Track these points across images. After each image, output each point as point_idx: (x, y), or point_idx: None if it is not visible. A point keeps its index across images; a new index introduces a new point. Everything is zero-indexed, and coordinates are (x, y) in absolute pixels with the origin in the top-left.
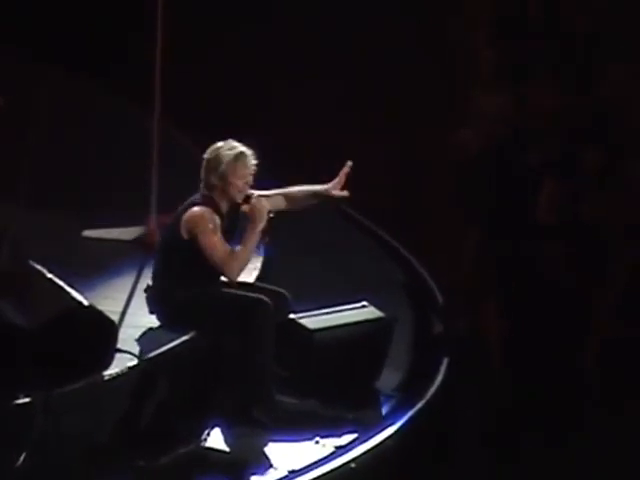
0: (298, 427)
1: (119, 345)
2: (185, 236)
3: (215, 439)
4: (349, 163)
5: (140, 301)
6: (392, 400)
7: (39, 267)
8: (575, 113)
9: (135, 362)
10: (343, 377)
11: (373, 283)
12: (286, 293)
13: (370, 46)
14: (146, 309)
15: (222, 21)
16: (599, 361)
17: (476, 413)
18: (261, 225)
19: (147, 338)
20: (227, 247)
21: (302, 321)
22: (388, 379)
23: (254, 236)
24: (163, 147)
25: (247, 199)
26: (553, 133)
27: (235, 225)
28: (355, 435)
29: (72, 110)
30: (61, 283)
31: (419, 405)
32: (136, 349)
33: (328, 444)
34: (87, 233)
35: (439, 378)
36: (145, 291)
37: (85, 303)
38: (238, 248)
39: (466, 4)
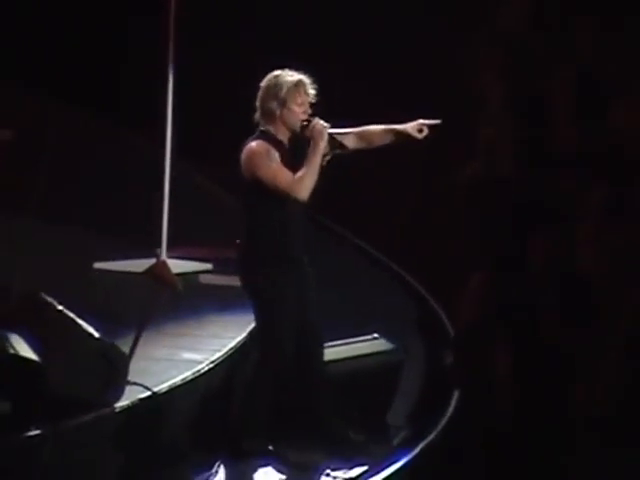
0: (308, 460)
1: (130, 377)
2: (249, 177)
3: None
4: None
5: (152, 333)
6: (403, 432)
7: (50, 299)
8: (585, 150)
9: (146, 394)
10: (354, 409)
11: (384, 315)
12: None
13: (377, 79)
14: (158, 341)
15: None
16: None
17: (487, 444)
18: (322, 145)
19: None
20: (289, 173)
21: None
22: (399, 411)
23: (316, 157)
24: (173, 179)
25: (307, 124)
26: (561, 171)
27: (297, 155)
28: (366, 467)
29: (80, 143)
30: (72, 315)
31: (430, 437)
32: (148, 381)
33: (339, 477)
34: (98, 265)
35: (450, 410)
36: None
37: (96, 335)
38: (301, 172)
39: (476, 42)
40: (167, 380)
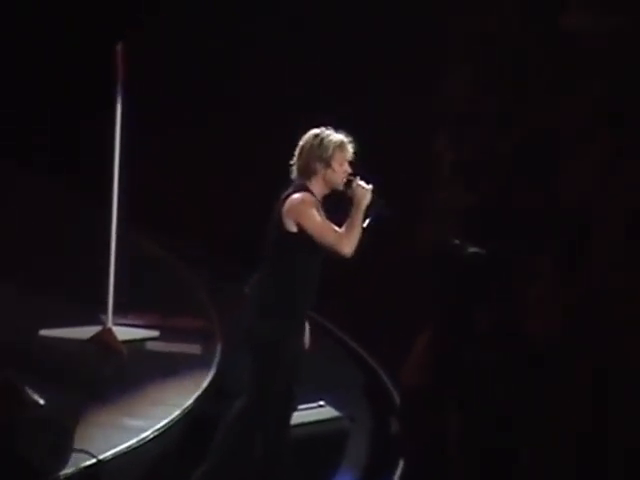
0: None
1: (75, 444)
2: (292, 228)
3: None
4: None
5: (97, 400)
6: None
7: None
8: (533, 212)
9: (92, 462)
10: (299, 476)
11: (330, 383)
12: None
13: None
14: (104, 408)
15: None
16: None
17: None
18: (365, 204)
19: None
20: (336, 228)
21: None
22: (345, 479)
23: (360, 215)
24: (120, 246)
25: (348, 184)
26: (512, 235)
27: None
28: None
29: (28, 207)
30: (17, 383)
31: None
32: (93, 448)
33: None
34: (43, 332)
35: (396, 478)
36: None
37: (41, 402)
38: (345, 229)
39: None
40: (112, 447)
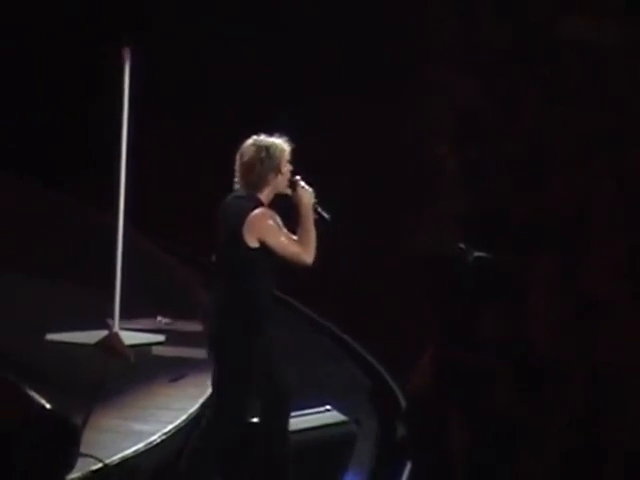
0: None
1: (82, 448)
2: (254, 244)
3: None
4: None
5: (103, 404)
6: None
7: (2, 372)
8: (530, 220)
9: (98, 466)
10: None
11: (337, 387)
12: None
13: (331, 154)
14: (109, 413)
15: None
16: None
17: None
18: (310, 205)
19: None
20: (296, 240)
21: None
22: None
23: (308, 218)
24: (125, 250)
25: (292, 185)
26: (507, 241)
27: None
28: None
29: (31, 208)
30: (23, 386)
31: None
32: (99, 453)
33: None
34: (50, 336)
35: None
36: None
37: (47, 406)
38: (302, 238)
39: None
40: (119, 452)
